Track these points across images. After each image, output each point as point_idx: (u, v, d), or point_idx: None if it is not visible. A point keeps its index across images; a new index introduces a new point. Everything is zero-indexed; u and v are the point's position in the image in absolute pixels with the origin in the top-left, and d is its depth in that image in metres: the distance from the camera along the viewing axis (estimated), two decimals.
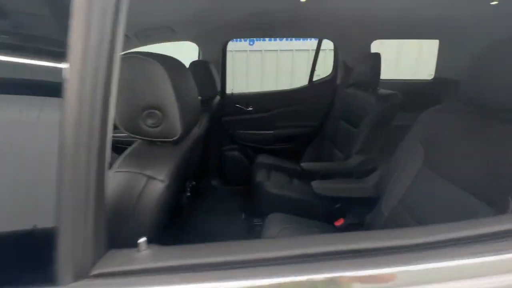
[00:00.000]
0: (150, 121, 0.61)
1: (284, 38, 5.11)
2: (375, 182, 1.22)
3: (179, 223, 1.62)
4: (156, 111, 0.61)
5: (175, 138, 0.64)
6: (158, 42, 1.79)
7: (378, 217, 1.09)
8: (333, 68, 2.12)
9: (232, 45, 5.22)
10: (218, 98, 1.80)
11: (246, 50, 5.27)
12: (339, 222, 1.25)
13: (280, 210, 1.61)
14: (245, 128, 2.21)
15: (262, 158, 2.03)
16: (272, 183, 1.60)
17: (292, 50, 5.25)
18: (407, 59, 4.72)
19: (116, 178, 0.58)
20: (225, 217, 1.97)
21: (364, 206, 1.27)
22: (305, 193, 1.55)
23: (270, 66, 5.33)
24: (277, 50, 5.27)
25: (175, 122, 0.62)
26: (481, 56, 0.83)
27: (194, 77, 1.56)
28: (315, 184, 1.28)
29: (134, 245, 0.42)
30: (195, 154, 0.93)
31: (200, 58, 1.93)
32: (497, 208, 0.70)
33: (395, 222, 1.01)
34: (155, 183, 0.58)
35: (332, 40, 1.97)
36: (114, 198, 0.55)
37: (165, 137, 0.64)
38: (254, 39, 5.11)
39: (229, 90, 2.20)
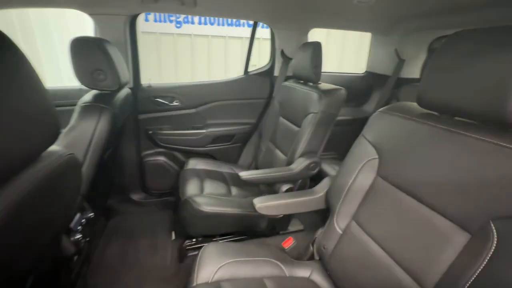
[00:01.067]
0: None
1: (216, 23, 4.70)
2: (325, 192, 1.05)
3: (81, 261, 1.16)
4: None
5: None
6: (28, 7, 1.20)
7: (331, 234, 0.93)
8: (270, 58, 1.90)
9: (156, 26, 4.55)
10: (126, 91, 1.35)
11: (173, 34, 4.63)
12: (287, 244, 1.06)
13: (217, 228, 1.33)
14: (170, 128, 1.81)
15: (193, 163, 1.69)
16: (205, 198, 1.29)
17: (225, 36, 4.88)
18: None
19: None
20: (150, 240, 1.57)
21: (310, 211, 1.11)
22: (245, 205, 1.30)
23: (201, 53, 4.85)
24: (208, 36, 4.81)
25: None
26: (436, 55, 0.71)
27: (77, 60, 1.09)
28: (258, 203, 1.04)
29: None
30: (61, 191, 0.54)
31: (97, 35, 1.41)
32: (474, 233, 0.57)
33: (351, 241, 0.86)
34: None
35: (267, 24, 1.73)
36: None
37: None
38: (181, 21, 4.53)
39: (146, 80, 1.74)
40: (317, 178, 1.41)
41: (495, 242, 0.53)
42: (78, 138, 0.98)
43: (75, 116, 1.01)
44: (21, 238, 0.45)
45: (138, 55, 1.61)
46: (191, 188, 1.40)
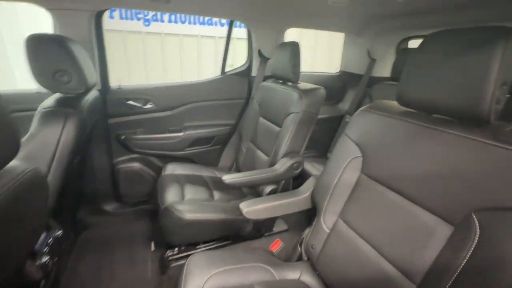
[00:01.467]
0: None
1: (187, 21, 4.57)
2: (310, 192, 1.06)
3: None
4: None
5: None
6: None
7: (318, 233, 0.93)
8: (247, 57, 1.87)
9: (122, 24, 4.29)
10: (94, 93, 1.24)
11: (141, 32, 4.41)
12: (275, 246, 1.04)
13: (201, 235, 1.28)
14: (144, 132, 1.70)
15: (172, 169, 1.61)
16: (187, 205, 1.23)
17: (198, 35, 4.75)
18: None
19: None
20: (127, 253, 1.47)
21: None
22: (230, 209, 1.27)
23: (172, 52, 4.68)
24: (179, 35, 4.66)
25: None
26: (413, 54, 0.73)
27: (35, 61, 0.97)
28: (245, 207, 1.01)
29: None
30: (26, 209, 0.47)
31: (57, 33, 1.27)
32: (457, 226, 0.60)
33: (339, 240, 0.87)
34: None
35: (244, 23, 1.70)
36: None
37: None
38: (150, 19, 4.33)
39: (115, 82, 1.62)
40: (299, 177, 1.42)
41: (478, 233, 0.55)
42: (40, 148, 0.87)
43: (35, 123, 0.89)
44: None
45: (105, 55, 1.49)
46: (171, 195, 1.33)
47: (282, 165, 1.30)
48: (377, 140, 0.83)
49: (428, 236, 0.65)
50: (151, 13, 4.36)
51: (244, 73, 1.87)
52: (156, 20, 4.49)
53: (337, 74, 2.26)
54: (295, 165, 1.31)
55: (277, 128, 1.44)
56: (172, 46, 4.64)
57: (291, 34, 1.76)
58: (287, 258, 1.07)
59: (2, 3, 3.23)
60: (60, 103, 0.96)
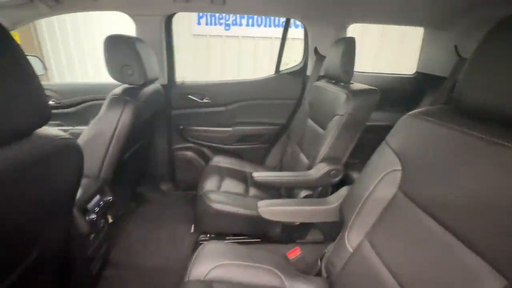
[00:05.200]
0: None
1: (263, 25, 4.75)
2: (339, 203, 0.94)
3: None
4: None
5: None
6: (77, 11, 1.38)
7: (341, 252, 0.83)
8: (303, 56, 1.81)
9: (207, 29, 4.82)
10: (154, 87, 1.43)
11: (221, 36, 4.85)
12: (293, 254, 0.97)
13: (227, 227, 1.31)
14: (199, 124, 1.87)
15: (217, 160, 1.71)
16: (218, 195, 1.29)
17: (271, 38, 4.88)
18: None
19: None
20: (172, 230, 1.64)
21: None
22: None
23: (248, 54, 4.97)
24: (254, 37, 4.89)
25: None
26: (483, 42, 0.55)
27: (109, 57, 1.13)
28: (262, 205, 0.98)
29: None
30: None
31: (137, 35, 1.54)
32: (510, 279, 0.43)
33: (362, 264, 0.74)
34: None
35: (300, 21, 1.64)
36: None
37: None
38: (230, 23, 4.69)
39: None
40: (340, 186, 1.28)
41: None
42: (104, 128, 1.07)
43: (104, 106, 1.10)
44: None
45: (173, 54, 1.70)
46: (209, 184, 1.42)
47: (318, 171, 1.20)
48: (423, 153, 0.67)
49: (467, 283, 0.49)
50: (231, 19, 4.73)
51: (299, 73, 1.81)
52: (235, 24, 4.84)
53: (412, 76, 1.92)
54: (332, 172, 1.18)
55: (321, 131, 1.34)
56: (248, 49, 4.93)
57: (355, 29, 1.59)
58: (306, 271, 0.99)
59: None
60: (123, 92, 1.15)
